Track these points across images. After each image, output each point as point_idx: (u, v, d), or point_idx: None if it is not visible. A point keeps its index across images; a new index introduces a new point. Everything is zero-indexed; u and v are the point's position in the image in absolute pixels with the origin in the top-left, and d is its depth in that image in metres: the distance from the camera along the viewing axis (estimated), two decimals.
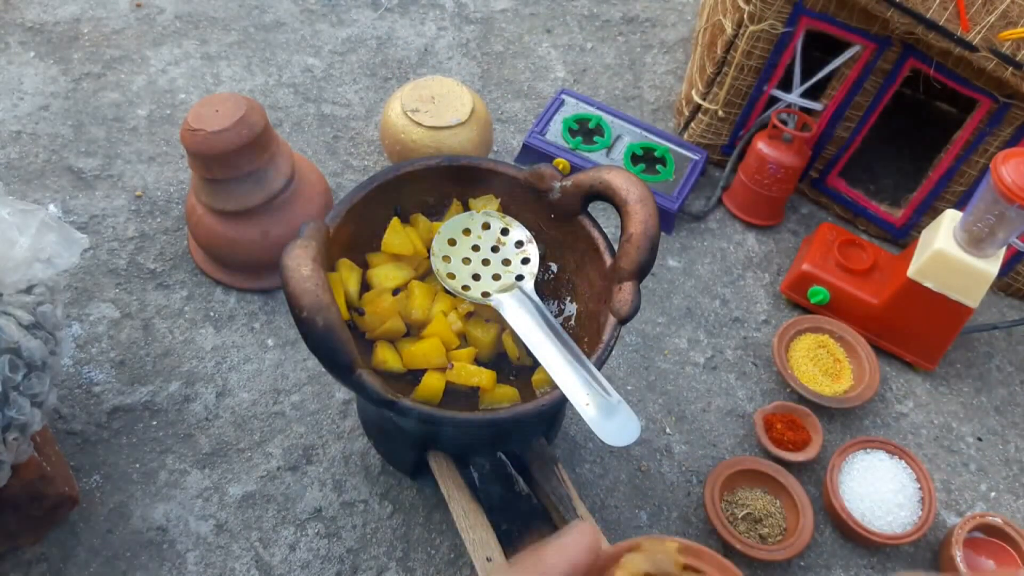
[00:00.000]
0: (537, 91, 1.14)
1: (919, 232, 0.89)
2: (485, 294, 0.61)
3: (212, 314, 0.85)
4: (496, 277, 0.62)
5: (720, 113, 1.01)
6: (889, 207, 1.00)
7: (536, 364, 0.58)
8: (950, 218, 0.82)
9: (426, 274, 0.65)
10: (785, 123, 0.95)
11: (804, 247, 0.97)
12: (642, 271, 0.57)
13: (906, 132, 1.08)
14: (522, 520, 0.62)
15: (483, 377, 0.59)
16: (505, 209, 0.66)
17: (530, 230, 0.65)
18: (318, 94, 1.08)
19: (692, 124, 1.05)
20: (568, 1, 1.27)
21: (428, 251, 0.64)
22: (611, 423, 0.51)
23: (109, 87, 1.05)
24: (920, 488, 0.77)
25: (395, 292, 0.63)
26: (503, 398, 0.59)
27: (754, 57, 0.94)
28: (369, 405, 0.63)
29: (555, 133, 1.01)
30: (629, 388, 0.85)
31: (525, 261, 0.63)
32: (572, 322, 0.65)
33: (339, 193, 0.96)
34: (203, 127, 0.75)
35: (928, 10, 0.81)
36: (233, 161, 0.77)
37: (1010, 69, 0.80)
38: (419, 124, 0.89)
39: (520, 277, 0.62)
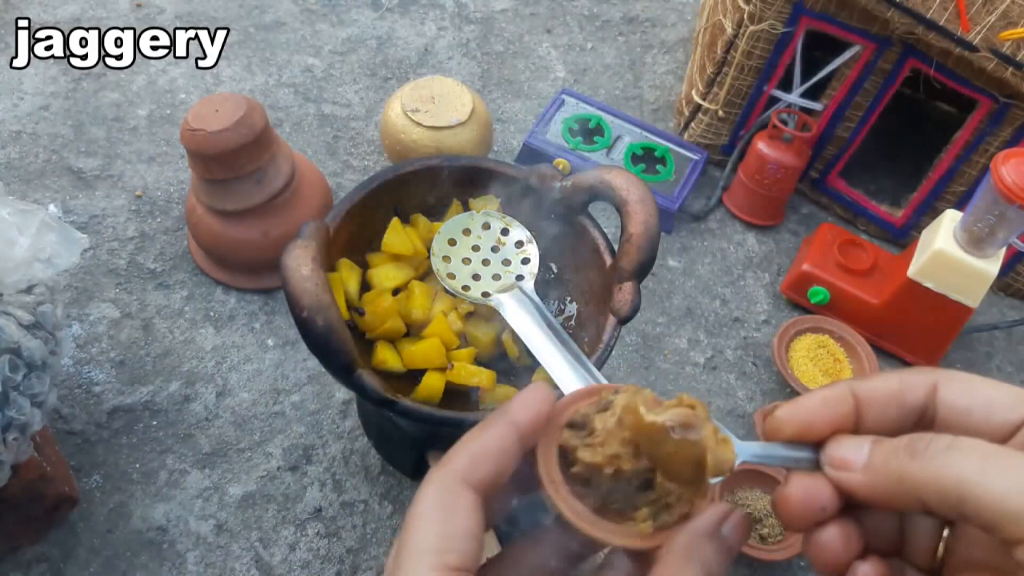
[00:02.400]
0: (537, 91, 1.13)
1: (919, 232, 0.89)
2: (485, 294, 0.61)
3: (212, 314, 0.85)
4: (496, 277, 0.62)
5: (720, 113, 1.01)
6: (889, 207, 1.00)
7: (536, 364, 0.58)
8: (950, 218, 0.82)
9: (426, 274, 0.65)
10: (785, 123, 0.95)
11: (804, 247, 0.97)
12: (642, 271, 0.57)
13: (906, 132, 1.08)
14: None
15: (483, 377, 0.59)
16: (505, 209, 0.66)
17: (530, 230, 0.65)
18: (318, 94, 1.08)
19: (692, 124, 1.05)
20: (568, 1, 1.27)
21: (428, 251, 0.64)
22: None
23: (109, 87, 1.05)
24: None
25: (395, 292, 0.63)
26: (503, 398, 0.59)
27: (754, 57, 0.94)
28: (369, 405, 0.63)
29: (555, 133, 1.01)
30: None
31: (525, 261, 0.63)
32: (572, 322, 0.65)
33: (339, 193, 0.97)
34: (203, 127, 0.75)
35: (928, 10, 0.81)
36: (233, 161, 0.77)
37: (1010, 69, 0.80)
38: (419, 124, 0.89)
39: (520, 277, 0.62)
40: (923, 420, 0.28)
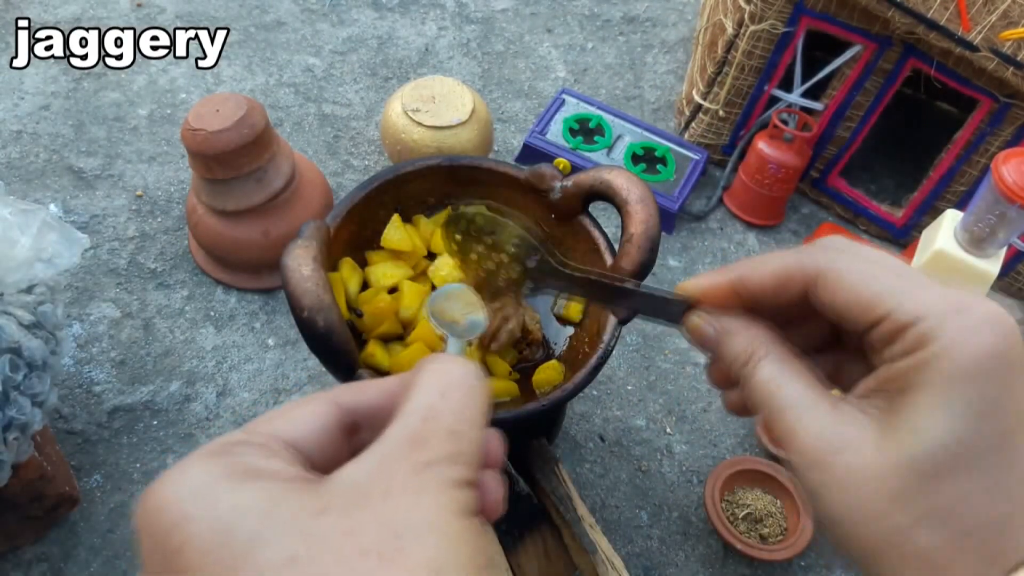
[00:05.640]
0: (538, 91, 1.13)
1: (920, 232, 0.89)
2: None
3: (213, 314, 0.85)
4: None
5: (721, 113, 1.01)
6: (890, 207, 1.00)
7: (536, 363, 0.58)
8: (951, 218, 0.82)
9: (420, 274, 0.65)
10: (786, 123, 0.94)
11: None
12: (643, 271, 0.57)
13: (907, 132, 1.08)
14: (522, 520, 0.62)
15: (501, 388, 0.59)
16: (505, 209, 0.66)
17: (530, 230, 0.65)
18: (319, 94, 1.08)
19: (693, 124, 1.05)
20: (569, 1, 1.27)
21: (427, 250, 0.64)
22: None
23: (110, 87, 1.05)
24: None
25: (392, 291, 0.62)
26: (502, 392, 0.59)
27: (755, 57, 0.94)
28: None
29: (556, 133, 1.01)
30: (630, 388, 0.85)
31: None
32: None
33: (339, 193, 0.97)
34: (204, 127, 0.75)
35: (929, 10, 0.81)
36: (234, 161, 0.77)
37: (1011, 69, 0.80)
38: (420, 124, 0.89)
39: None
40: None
